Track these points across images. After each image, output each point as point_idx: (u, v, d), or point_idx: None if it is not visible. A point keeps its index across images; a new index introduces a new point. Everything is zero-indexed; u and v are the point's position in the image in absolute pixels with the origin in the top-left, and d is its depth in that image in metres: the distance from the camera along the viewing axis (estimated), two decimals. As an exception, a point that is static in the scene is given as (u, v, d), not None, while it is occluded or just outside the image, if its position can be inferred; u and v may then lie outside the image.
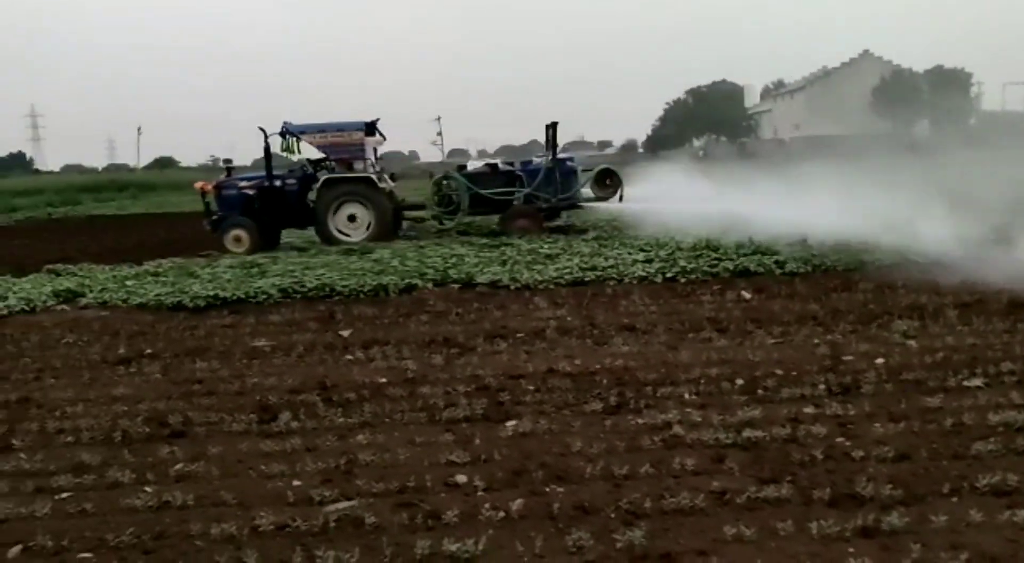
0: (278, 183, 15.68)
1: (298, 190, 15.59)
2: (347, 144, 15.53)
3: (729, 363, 6.24)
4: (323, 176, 15.54)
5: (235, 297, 9.66)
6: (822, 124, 64.07)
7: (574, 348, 6.95)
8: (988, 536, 3.50)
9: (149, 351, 7.51)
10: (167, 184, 53.72)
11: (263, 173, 15.81)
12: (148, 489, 4.38)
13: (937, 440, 4.57)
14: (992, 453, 4.35)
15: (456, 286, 10.00)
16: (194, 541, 3.78)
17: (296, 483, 4.38)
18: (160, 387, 6.36)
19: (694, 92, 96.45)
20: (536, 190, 15.86)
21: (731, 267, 10.09)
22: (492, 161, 17.78)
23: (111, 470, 4.66)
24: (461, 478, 4.32)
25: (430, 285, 10.06)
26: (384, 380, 6.23)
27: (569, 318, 8.05)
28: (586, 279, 9.89)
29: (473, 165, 17.92)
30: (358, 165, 15.51)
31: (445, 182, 16.16)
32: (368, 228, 15.20)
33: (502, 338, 7.38)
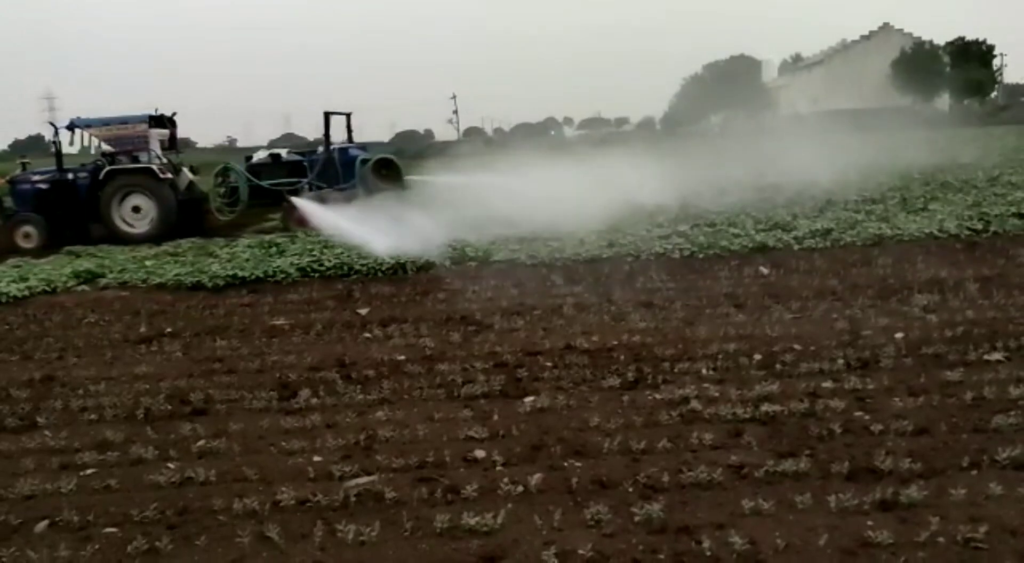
0: (70, 177, 15.63)
1: (90, 183, 15.44)
2: (131, 136, 15.59)
3: (747, 338, 6.24)
4: (106, 168, 15.44)
5: (254, 277, 9.71)
6: (841, 98, 63.39)
7: (591, 324, 6.95)
8: (1007, 509, 3.49)
9: (169, 330, 7.58)
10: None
11: (68, 167, 15.78)
12: (171, 465, 4.43)
13: (957, 414, 4.55)
14: (1012, 426, 4.33)
15: (473, 264, 10.00)
16: (217, 516, 3.84)
17: (317, 459, 4.43)
18: (181, 365, 6.42)
19: (711, 67, 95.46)
20: (316, 180, 15.81)
21: (749, 243, 10.04)
22: (277, 151, 17.49)
23: (134, 447, 4.72)
24: (480, 453, 4.35)
25: (447, 263, 10.07)
26: (402, 357, 6.26)
27: (586, 294, 8.05)
28: (604, 256, 9.87)
29: (259, 156, 17.47)
30: (143, 157, 15.51)
31: (226, 173, 16.10)
32: (152, 220, 15.09)
33: (519, 315, 7.39)
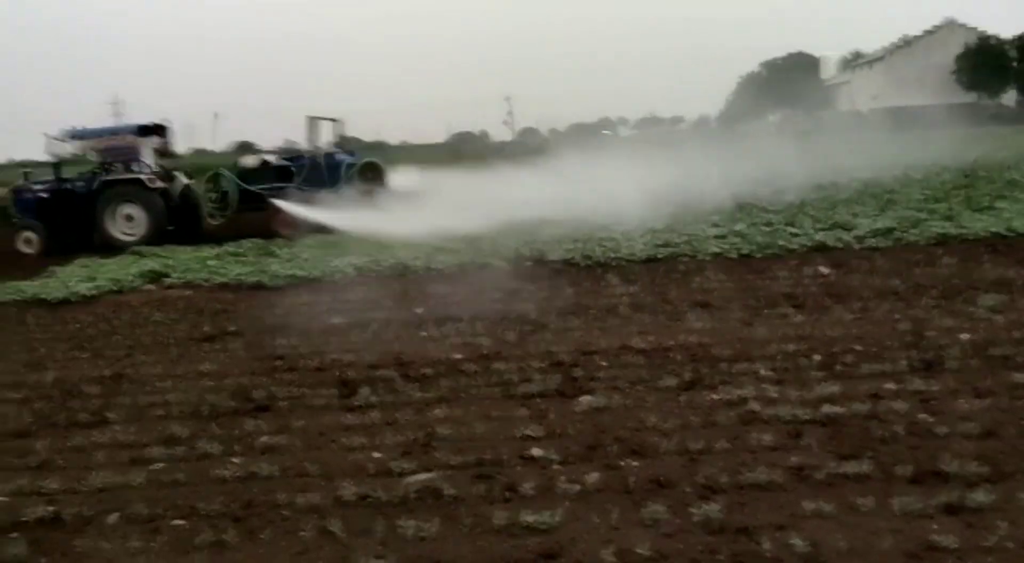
0: (68, 186, 16.07)
1: (86, 192, 15.81)
2: (121, 146, 15.96)
3: (806, 339, 6.16)
4: (99, 179, 15.82)
5: (313, 276, 9.88)
6: (903, 95, 61.96)
7: (647, 324, 6.93)
8: (1080, 514, 3.40)
9: (232, 329, 7.75)
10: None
11: (67, 176, 16.30)
12: (236, 460, 4.54)
13: (1026, 417, 4.44)
14: (1084, 430, 4.22)
15: (529, 263, 10.03)
16: (280, 510, 3.92)
17: (377, 455, 4.50)
18: (244, 363, 6.57)
19: (769, 64, 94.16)
20: (303, 184, 15.94)
21: (808, 242, 9.90)
22: (266, 156, 17.66)
23: (200, 442, 4.84)
24: (537, 452, 4.38)
25: (503, 263, 10.11)
26: (459, 356, 6.32)
27: (642, 294, 8.03)
28: (659, 256, 9.83)
29: (249, 161, 17.53)
30: (134, 167, 15.82)
31: (217, 179, 16.32)
32: (143, 228, 15.36)
33: (574, 314, 7.40)
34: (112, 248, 14.58)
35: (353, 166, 16.35)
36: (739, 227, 11.25)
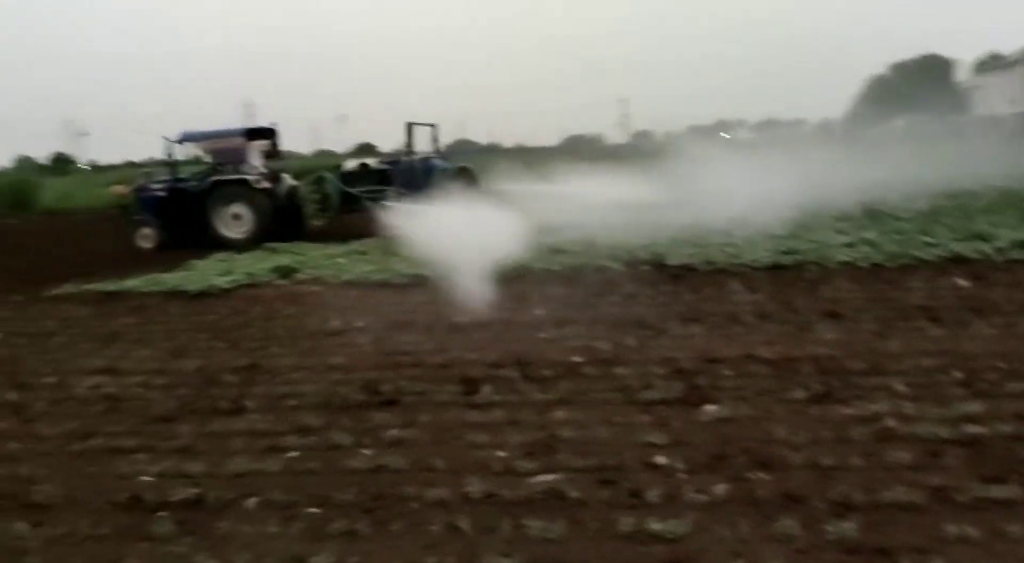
0: (183, 186, 16.74)
1: (198, 192, 16.41)
2: (230, 149, 16.62)
3: (944, 354, 5.89)
4: (210, 179, 16.44)
5: (435, 275, 10.06)
6: (1046, 98, 58.27)
7: (773, 333, 6.77)
8: None
9: (359, 324, 7.99)
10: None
11: (182, 176, 17.03)
12: (366, 452, 4.69)
13: None
14: None
15: (647, 268, 9.95)
16: (409, 503, 4.03)
17: (500, 454, 4.56)
18: (371, 357, 6.76)
19: (898, 67, 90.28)
20: (400, 188, 16.18)
21: (943, 253, 9.46)
22: (366, 160, 18.02)
23: (332, 433, 5.02)
24: (661, 460, 4.35)
25: (620, 266, 10.06)
26: (579, 359, 6.33)
27: (766, 303, 7.84)
28: (784, 263, 9.58)
29: (350, 165, 17.98)
30: (242, 168, 16.36)
31: (320, 181, 16.75)
32: (250, 226, 15.98)
33: (696, 321, 7.30)
34: (221, 245, 15.36)
35: (447, 171, 16.79)
36: (869, 235, 10.83)
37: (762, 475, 4.11)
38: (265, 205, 16.21)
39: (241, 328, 8.16)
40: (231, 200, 16.24)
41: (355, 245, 13.28)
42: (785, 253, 9.95)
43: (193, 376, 6.48)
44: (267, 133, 17.65)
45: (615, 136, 76.93)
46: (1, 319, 9.38)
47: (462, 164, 17.64)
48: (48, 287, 11.31)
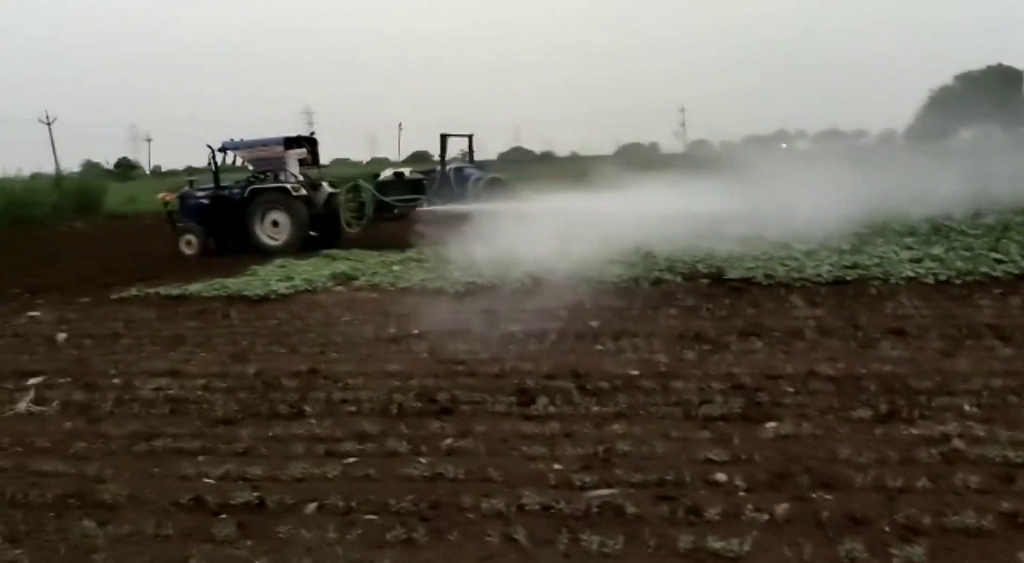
0: (225, 193, 17.25)
1: (240, 199, 16.90)
2: (269, 157, 17.07)
3: (1016, 374, 5.71)
4: (250, 187, 16.93)
5: (491, 284, 10.11)
6: (1124, 110, 56.30)
7: (836, 350, 6.63)
8: None
9: (416, 331, 8.04)
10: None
11: (225, 183, 17.53)
12: (422, 460, 4.71)
13: None
14: None
15: (706, 281, 9.84)
16: (466, 513, 4.03)
17: (557, 467, 4.54)
18: (427, 365, 6.79)
19: (965, 77, 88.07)
20: (433, 197, 16.68)
21: (1015, 270, 9.18)
22: (401, 170, 18.45)
23: (389, 440, 5.06)
24: (721, 476, 4.28)
25: (679, 278, 9.97)
26: (636, 372, 6.27)
27: (829, 318, 7.69)
28: (847, 278, 9.38)
29: (386, 174, 18.44)
30: (281, 176, 16.79)
31: (356, 190, 17.15)
32: (288, 233, 16.44)
33: (757, 336, 7.19)
34: (260, 251, 15.92)
35: (480, 180, 17.13)
36: (935, 250, 10.57)
37: (825, 495, 4.02)
38: (302, 212, 16.61)
39: (300, 333, 8.27)
40: (269, 207, 16.70)
41: (411, 253, 13.38)
42: (848, 267, 9.76)
43: (254, 380, 6.59)
44: (306, 142, 18.07)
45: (671, 145, 76.27)
46: (69, 320, 9.66)
47: (495, 175, 18.02)
48: (114, 290, 11.62)
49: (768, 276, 9.59)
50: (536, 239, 13.28)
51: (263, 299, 10.22)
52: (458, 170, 17.47)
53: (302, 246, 15.91)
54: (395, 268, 11.71)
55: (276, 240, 16.58)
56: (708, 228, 14.54)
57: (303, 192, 16.76)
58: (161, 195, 19.11)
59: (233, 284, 11.08)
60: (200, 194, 17.66)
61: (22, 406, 6.16)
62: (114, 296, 11.15)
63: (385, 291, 10.32)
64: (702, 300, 8.81)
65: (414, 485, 4.39)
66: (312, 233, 16.74)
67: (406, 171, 18.35)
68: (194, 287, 11.13)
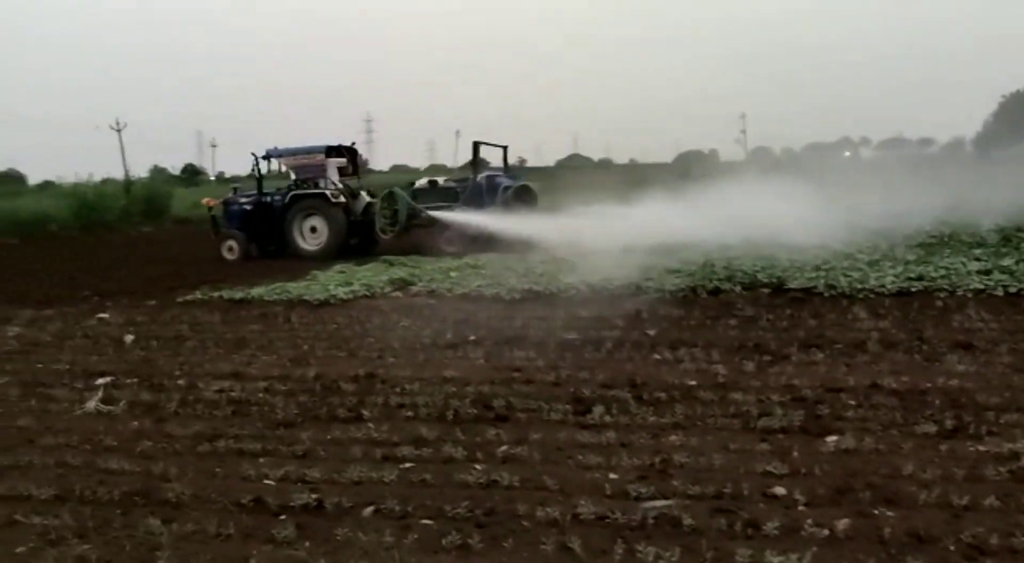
0: (267, 199, 17.70)
1: (281, 206, 17.48)
2: (310, 165, 17.72)
3: (1090, 391, 5.51)
4: (291, 193, 17.49)
5: (548, 292, 10.12)
6: None
7: (900, 363, 6.49)
8: None
9: (472, 338, 8.09)
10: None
11: (267, 190, 18.17)
12: (478, 467, 4.72)
13: None
14: None
15: (766, 291, 9.71)
16: (521, 521, 4.03)
17: (613, 476, 4.51)
18: (483, 372, 6.82)
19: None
20: (464, 205, 17.08)
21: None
22: (435, 179, 18.83)
23: (445, 446, 5.09)
24: (780, 490, 4.21)
25: (738, 288, 9.86)
26: (693, 382, 6.21)
27: (893, 330, 7.52)
28: (912, 289, 9.17)
29: (420, 183, 18.82)
30: (321, 183, 17.24)
31: (391, 197, 17.42)
32: (325, 239, 17.04)
33: (818, 348, 7.06)
34: (298, 257, 16.47)
35: (509, 189, 17.45)
36: (1005, 262, 10.27)
37: (888, 512, 3.93)
38: (340, 219, 17.13)
39: (359, 338, 8.38)
40: (309, 213, 17.25)
41: (468, 259, 13.47)
42: (914, 279, 9.55)
43: (313, 383, 6.69)
44: (346, 151, 18.61)
45: (732, 152, 75.32)
46: (136, 323, 9.93)
47: (524, 183, 18.31)
48: (179, 293, 11.94)
49: (830, 286, 9.43)
50: (594, 247, 13.30)
51: (323, 303, 10.40)
52: (490, 178, 17.86)
53: (339, 252, 16.36)
54: (452, 274, 11.80)
55: (313, 246, 17.08)
56: (768, 237, 14.38)
57: (342, 199, 17.28)
58: (205, 200, 19.81)
59: (294, 288, 11.30)
60: (243, 200, 18.28)
61: (91, 405, 6.34)
62: (179, 299, 11.46)
63: (442, 297, 10.41)
64: (762, 310, 8.70)
65: (470, 491, 4.41)
66: (351, 241, 17.21)
67: (440, 180, 18.77)
68: (256, 291, 11.38)
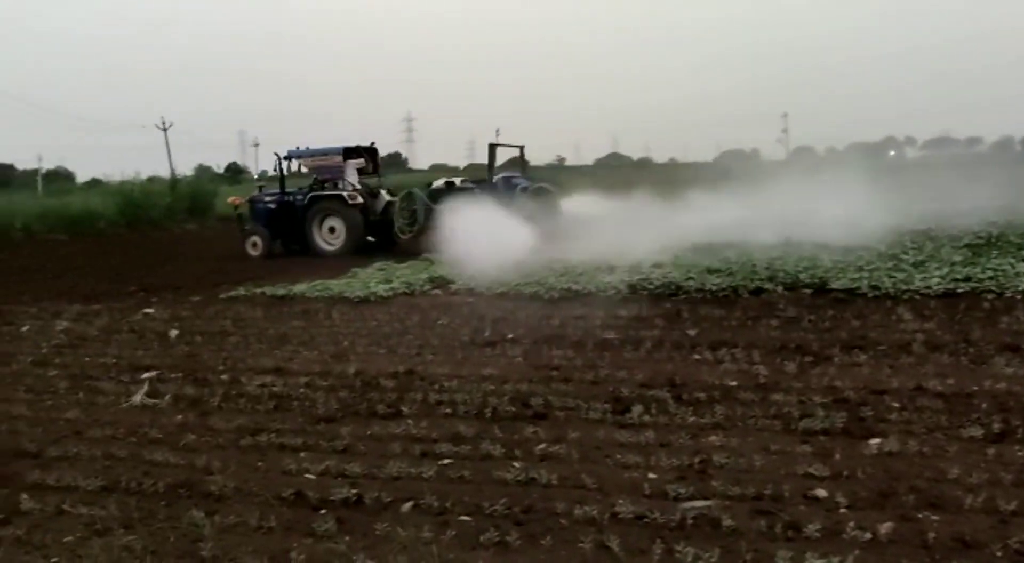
0: (289, 199, 18.26)
1: (302, 205, 17.94)
2: (329, 166, 18.11)
3: None
4: (310, 194, 17.92)
5: (587, 291, 10.09)
6: None
7: (946, 366, 6.37)
8: None
9: (511, 336, 8.10)
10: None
11: (290, 190, 18.55)
12: (516, 465, 4.73)
13: None
14: None
15: (808, 291, 9.59)
16: (559, 519, 4.03)
17: (651, 476, 4.49)
18: (522, 370, 6.83)
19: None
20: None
21: None
22: (452, 179, 18.99)
23: (484, 443, 5.10)
24: (821, 492, 4.17)
25: (780, 288, 9.75)
26: (734, 383, 6.16)
27: (939, 332, 7.39)
28: (959, 291, 9.00)
29: (437, 183, 18.89)
30: (340, 184, 17.83)
31: (410, 198, 17.71)
32: (342, 239, 17.43)
33: (861, 349, 6.96)
34: (317, 255, 16.89)
35: (526, 189, 17.70)
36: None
37: (933, 516, 3.87)
38: (357, 220, 17.50)
39: (399, 335, 8.44)
40: (327, 214, 17.67)
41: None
42: (960, 280, 9.36)
43: (353, 379, 6.75)
44: (365, 152, 18.91)
45: (774, 152, 74.42)
46: (181, 318, 10.10)
47: (539, 184, 18.50)
48: (223, 289, 12.12)
49: (874, 287, 9.29)
50: (635, 245, 13.24)
51: (363, 301, 10.49)
52: (507, 179, 18.11)
53: (357, 251, 16.73)
54: (491, 273, 11.80)
55: (332, 245, 17.52)
56: (808, 237, 14.20)
57: (359, 200, 17.65)
58: (231, 199, 20.23)
59: (335, 285, 11.42)
60: (267, 199, 18.72)
61: (137, 399, 6.47)
62: (223, 295, 11.63)
63: (481, 295, 10.43)
64: (804, 311, 8.59)
65: (508, 489, 4.42)
66: (371, 238, 17.55)
67: (457, 180, 19.04)
68: (298, 288, 11.51)
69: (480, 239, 12.98)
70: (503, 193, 17.42)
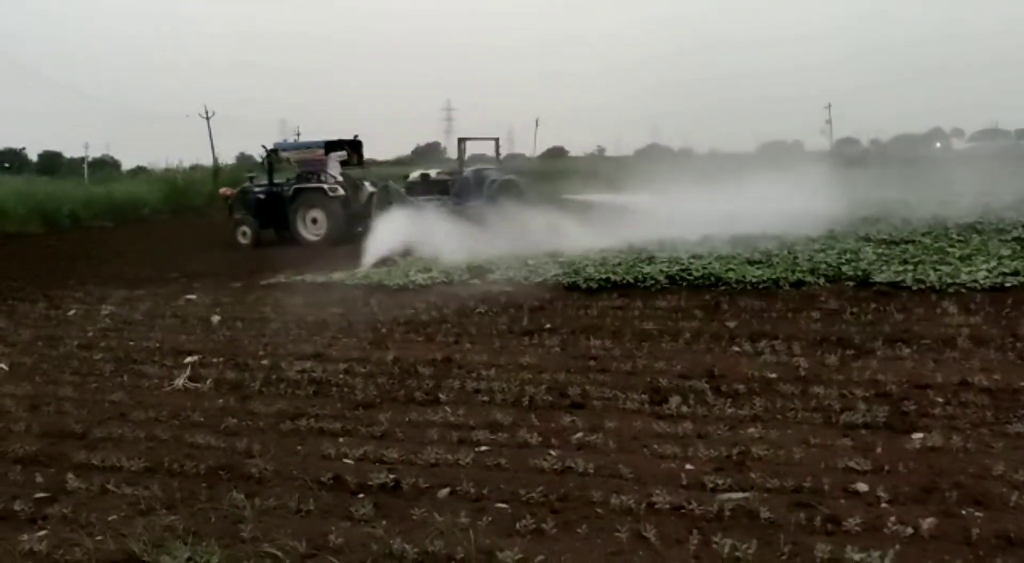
0: (277, 190, 18.72)
1: (288, 197, 18.34)
2: (312, 160, 18.54)
3: None
4: (294, 186, 18.36)
5: (624, 281, 10.05)
6: None
7: (992, 361, 6.24)
8: None
9: (548, 326, 8.09)
10: (556, 172, 56.99)
11: (277, 181, 19.11)
12: (553, 453, 4.74)
13: None
14: None
15: (851, 284, 9.45)
16: (595, 508, 4.03)
17: (688, 467, 4.47)
18: (559, 360, 6.83)
19: None
20: (456, 197, 17.89)
21: None
22: (427, 172, 19.64)
23: (521, 431, 5.12)
24: (862, 486, 4.12)
25: (822, 281, 9.62)
26: (774, 375, 6.10)
27: (985, 327, 7.24)
28: (1006, 285, 8.80)
29: (413, 176, 19.60)
30: (323, 176, 18.13)
31: (386, 191, 17.97)
32: (324, 230, 17.81)
33: (904, 343, 6.85)
34: (301, 245, 17.42)
35: (495, 183, 18.12)
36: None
37: (976, 512, 3.80)
38: (338, 211, 17.92)
39: (436, 323, 8.48)
40: (310, 205, 18.12)
41: (546, 247, 13.43)
42: (1008, 274, 9.15)
43: (391, 366, 6.80)
44: (348, 145, 19.24)
45: (817, 143, 73.25)
46: (222, 304, 10.25)
47: (508, 177, 18.90)
48: (264, 276, 12.26)
49: (918, 281, 9.12)
50: (673, 236, 13.15)
51: (402, 289, 10.56)
52: (477, 172, 18.55)
53: (339, 241, 17.10)
54: (530, 262, 11.80)
55: (314, 235, 17.98)
56: (851, 229, 13.99)
57: (340, 192, 18.06)
58: (222, 191, 20.75)
59: (374, 274, 11.49)
60: (257, 190, 19.20)
61: (179, 382, 6.57)
62: (263, 282, 11.78)
63: (519, 285, 10.43)
64: (846, 303, 8.47)
65: (544, 477, 4.42)
66: (356, 229, 17.64)
67: (432, 172, 19.48)
68: (337, 275, 11.62)
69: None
70: (474, 186, 17.96)
